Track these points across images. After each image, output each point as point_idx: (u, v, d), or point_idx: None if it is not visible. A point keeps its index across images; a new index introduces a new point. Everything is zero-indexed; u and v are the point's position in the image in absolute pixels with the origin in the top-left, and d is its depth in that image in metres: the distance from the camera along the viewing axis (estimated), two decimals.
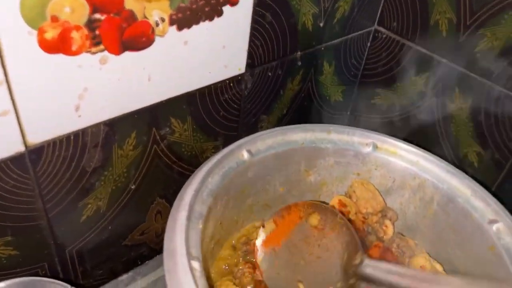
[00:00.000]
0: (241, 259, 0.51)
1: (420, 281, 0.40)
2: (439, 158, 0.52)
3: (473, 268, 0.48)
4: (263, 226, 0.50)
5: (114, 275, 0.60)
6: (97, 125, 0.47)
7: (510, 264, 0.43)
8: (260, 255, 0.48)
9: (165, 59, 0.48)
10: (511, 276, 0.43)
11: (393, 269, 0.43)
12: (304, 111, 0.73)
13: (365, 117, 0.80)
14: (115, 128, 0.49)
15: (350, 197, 0.59)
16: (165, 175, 0.58)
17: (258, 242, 0.49)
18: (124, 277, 0.58)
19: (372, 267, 0.44)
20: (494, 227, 0.46)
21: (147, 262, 0.60)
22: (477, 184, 0.50)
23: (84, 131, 0.46)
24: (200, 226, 0.42)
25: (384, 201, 0.58)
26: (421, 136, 0.69)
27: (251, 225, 0.57)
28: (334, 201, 0.58)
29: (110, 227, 0.57)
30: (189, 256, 0.38)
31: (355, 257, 0.46)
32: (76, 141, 0.46)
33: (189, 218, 0.41)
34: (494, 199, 0.48)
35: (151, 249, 0.64)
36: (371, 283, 0.45)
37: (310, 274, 0.49)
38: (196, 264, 0.39)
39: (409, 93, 0.72)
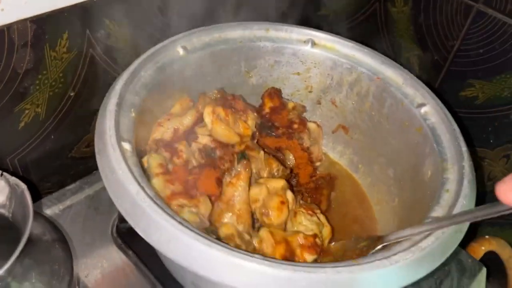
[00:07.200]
0: None
1: None
2: (374, 51, 0.53)
3: (404, 151, 0.50)
4: None
5: (63, 187, 0.60)
6: (23, 22, 0.46)
7: (434, 141, 0.46)
8: None
9: None
10: (435, 151, 0.45)
11: None
12: None
13: None
14: (44, 26, 0.47)
15: None
16: (106, 84, 0.58)
17: None
18: (72, 186, 0.58)
19: None
20: (422, 110, 0.48)
21: (94, 172, 0.60)
22: (409, 73, 0.51)
23: (9, 27, 0.45)
24: (133, 114, 0.43)
25: None
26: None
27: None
28: None
29: (52, 136, 0.56)
30: (119, 138, 0.39)
31: None
32: (1, 37, 0.45)
33: (119, 105, 0.41)
34: (423, 85, 0.50)
35: None
36: None
37: None
38: (127, 145, 0.39)
39: None
